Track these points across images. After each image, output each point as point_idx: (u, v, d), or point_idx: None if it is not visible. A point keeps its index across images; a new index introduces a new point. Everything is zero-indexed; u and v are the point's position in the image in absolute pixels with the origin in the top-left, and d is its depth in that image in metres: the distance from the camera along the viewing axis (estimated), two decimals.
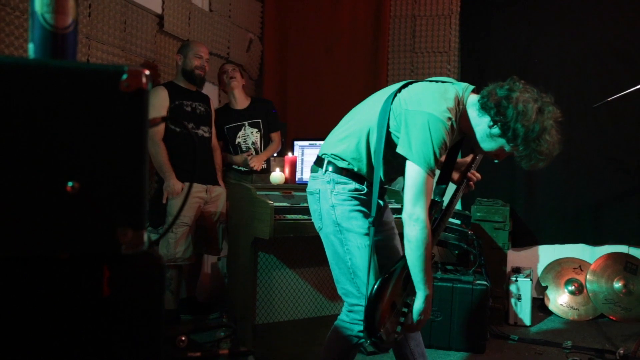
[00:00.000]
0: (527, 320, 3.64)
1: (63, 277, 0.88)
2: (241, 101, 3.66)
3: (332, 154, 1.92)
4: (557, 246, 4.26)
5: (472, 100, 1.85)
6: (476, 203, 3.95)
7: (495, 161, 1.92)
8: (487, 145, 1.84)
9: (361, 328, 1.90)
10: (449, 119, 1.74)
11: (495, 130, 1.77)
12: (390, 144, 1.83)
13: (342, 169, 1.90)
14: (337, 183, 1.89)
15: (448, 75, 4.61)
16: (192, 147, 3.20)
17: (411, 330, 1.90)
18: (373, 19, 4.61)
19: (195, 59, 3.26)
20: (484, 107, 1.79)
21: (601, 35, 4.15)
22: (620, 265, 3.97)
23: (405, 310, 1.90)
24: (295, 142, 3.74)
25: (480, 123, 1.82)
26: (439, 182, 2.05)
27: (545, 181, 4.27)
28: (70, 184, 0.86)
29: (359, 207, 1.88)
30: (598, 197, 4.15)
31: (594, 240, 4.18)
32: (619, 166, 4.12)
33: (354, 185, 1.88)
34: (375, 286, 1.79)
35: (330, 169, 1.91)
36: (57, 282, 0.88)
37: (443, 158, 1.99)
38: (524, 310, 3.65)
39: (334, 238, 1.90)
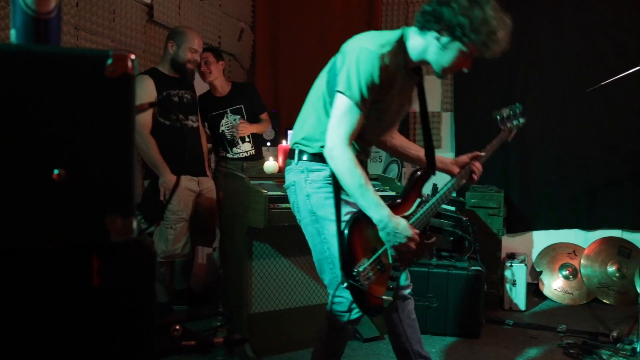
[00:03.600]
0: (521, 305, 3.66)
1: (51, 267, 0.87)
2: (221, 88, 3.54)
3: (301, 139, 1.90)
4: (551, 231, 4.28)
5: (412, 30, 1.84)
6: (470, 189, 3.95)
7: (465, 71, 1.85)
8: (446, 58, 1.78)
9: (346, 319, 1.89)
10: (383, 54, 1.73)
11: (444, 38, 1.75)
12: None
13: (315, 154, 1.87)
14: (310, 171, 1.87)
15: None
16: (182, 141, 3.12)
17: (403, 264, 1.89)
18: (365, 5, 4.57)
19: (189, 53, 3.13)
20: (423, 27, 1.78)
21: (595, 22, 4.14)
22: (614, 249, 3.99)
23: (394, 278, 1.88)
24: (289, 131, 3.73)
25: (428, 43, 1.79)
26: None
27: (540, 167, 4.29)
28: (56, 171, 0.84)
29: (335, 193, 1.84)
30: (592, 182, 4.17)
31: (588, 225, 4.20)
32: (612, 152, 4.13)
33: (328, 170, 1.84)
34: (349, 224, 1.79)
35: (303, 157, 1.89)
36: (45, 273, 0.87)
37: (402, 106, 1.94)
38: (518, 296, 3.66)
39: (312, 228, 1.89)
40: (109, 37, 3.12)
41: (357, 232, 1.81)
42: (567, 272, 4.04)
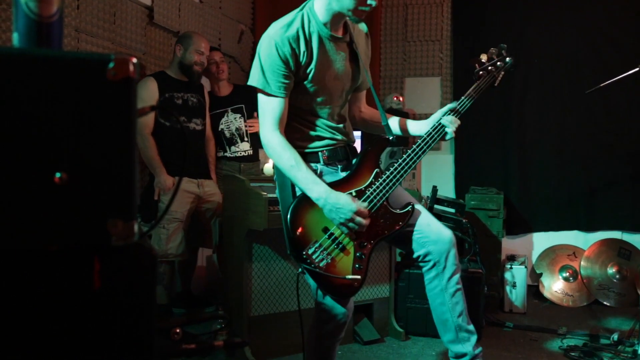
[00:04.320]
0: (522, 308, 3.66)
1: (53, 270, 0.87)
2: (224, 88, 3.60)
3: None
4: (551, 233, 4.29)
5: None
6: (470, 191, 3.96)
7: (374, 4, 1.80)
8: (349, 1, 1.77)
9: (328, 328, 1.89)
10: (279, 35, 1.76)
11: None
12: None
13: None
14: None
15: (441, 64, 4.60)
16: (183, 141, 3.14)
17: (368, 239, 1.82)
18: None
19: (196, 55, 3.19)
20: None
21: (594, 23, 4.16)
22: (614, 251, 3.99)
23: (361, 255, 1.81)
24: None
25: None
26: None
27: (539, 169, 4.29)
28: (58, 175, 0.84)
29: None
30: (591, 183, 4.17)
31: (588, 226, 4.20)
32: (611, 153, 4.14)
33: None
34: (291, 207, 1.78)
35: None
36: (46, 275, 0.87)
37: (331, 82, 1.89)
38: (519, 298, 3.66)
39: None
40: (109, 39, 3.13)
41: (303, 215, 1.79)
42: (568, 274, 4.04)
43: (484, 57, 2.04)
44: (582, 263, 4.01)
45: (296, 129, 1.89)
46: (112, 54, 0.86)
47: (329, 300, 1.85)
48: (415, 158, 1.88)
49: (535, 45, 4.27)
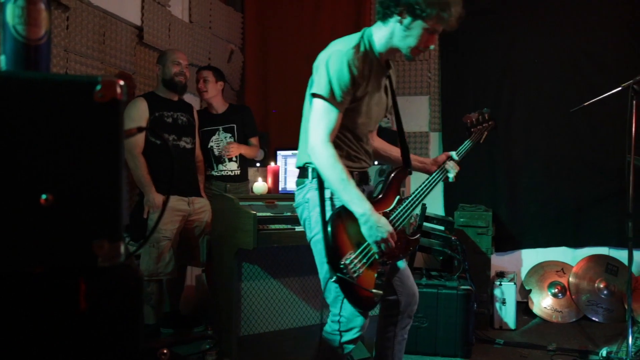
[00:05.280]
0: (511, 324, 3.66)
1: (38, 291, 0.87)
2: (218, 106, 3.61)
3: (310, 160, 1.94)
4: (539, 250, 4.31)
5: (375, 26, 1.92)
6: (459, 209, 3.98)
7: (432, 47, 1.91)
8: (412, 38, 1.84)
9: (343, 339, 1.90)
10: (352, 52, 1.81)
11: (406, 19, 1.81)
12: None
13: None
14: (326, 187, 1.90)
15: (429, 84, 4.66)
16: (170, 160, 3.15)
17: (390, 258, 1.92)
18: (353, 28, 4.63)
19: (174, 66, 3.22)
20: (385, 15, 1.86)
21: (577, 42, 4.24)
22: (602, 267, 4.02)
23: (383, 272, 1.91)
24: (278, 152, 3.73)
25: (393, 29, 1.86)
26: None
27: (527, 186, 4.33)
28: (44, 196, 0.84)
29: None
30: (578, 200, 4.21)
31: (576, 242, 4.23)
32: (597, 169, 4.19)
33: None
34: (332, 218, 1.83)
35: (316, 174, 1.92)
36: (32, 297, 0.86)
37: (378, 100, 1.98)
38: (508, 314, 3.67)
39: (321, 245, 1.89)
40: (99, 59, 3.14)
41: (341, 226, 1.85)
42: (556, 290, 4.06)
43: (474, 117, 2.27)
44: (570, 279, 4.03)
45: (338, 145, 1.93)
46: (99, 76, 0.87)
47: (347, 312, 1.88)
48: (426, 191, 2.04)
49: (521, 64, 4.34)
